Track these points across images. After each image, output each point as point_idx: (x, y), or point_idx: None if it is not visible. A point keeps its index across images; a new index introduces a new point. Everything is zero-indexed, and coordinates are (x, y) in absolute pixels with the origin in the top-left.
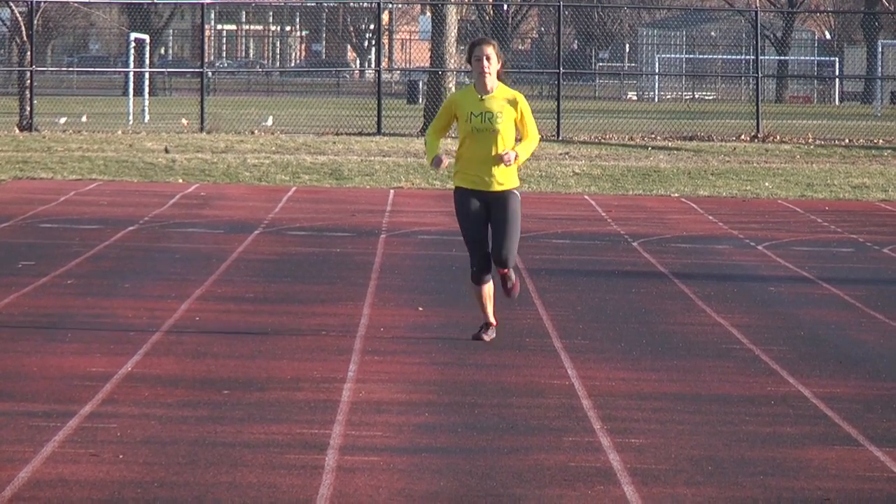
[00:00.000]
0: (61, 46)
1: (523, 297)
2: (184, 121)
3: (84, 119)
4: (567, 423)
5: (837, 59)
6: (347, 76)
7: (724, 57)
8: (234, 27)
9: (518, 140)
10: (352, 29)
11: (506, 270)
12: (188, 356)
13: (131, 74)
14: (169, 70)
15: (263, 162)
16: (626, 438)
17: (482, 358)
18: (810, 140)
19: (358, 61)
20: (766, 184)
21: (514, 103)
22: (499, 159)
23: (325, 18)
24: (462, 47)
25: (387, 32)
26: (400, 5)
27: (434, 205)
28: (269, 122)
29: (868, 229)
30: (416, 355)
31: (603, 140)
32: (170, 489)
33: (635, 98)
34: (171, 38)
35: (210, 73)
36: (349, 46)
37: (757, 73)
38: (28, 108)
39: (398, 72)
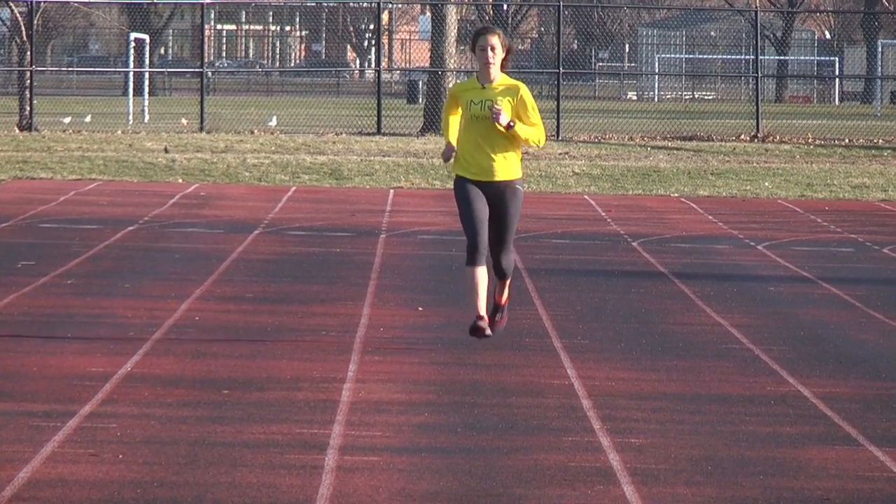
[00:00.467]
0: (61, 46)
1: (523, 298)
2: (183, 121)
3: (88, 119)
4: (567, 422)
5: (837, 59)
6: (347, 76)
7: (724, 57)
8: (233, 27)
9: None
10: (351, 29)
11: (503, 298)
12: (188, 356)
13: (131, 74)
14: (169, 70)
15: (263, 162)
16: (625, 438)
17: (482, 358)
18: (810, 140)
19: (358, 61)
20: (766, 184)
21: (514, 91)
22: (514, 147)
23: (324, 18)
24: (462, 47)
25: (386, 32)
26: (400, 5)
27: (434, 205)
28: (273, 121)
29: (868, 229)
30: (415, 355)
31: (603, 140)
32: (169, 489)
33: (635, 98)
34: (170, 38)
35: (210, 73)
36: (349, 46)
37: (757, 72)
38: (28, 108)
39: (398, 72)
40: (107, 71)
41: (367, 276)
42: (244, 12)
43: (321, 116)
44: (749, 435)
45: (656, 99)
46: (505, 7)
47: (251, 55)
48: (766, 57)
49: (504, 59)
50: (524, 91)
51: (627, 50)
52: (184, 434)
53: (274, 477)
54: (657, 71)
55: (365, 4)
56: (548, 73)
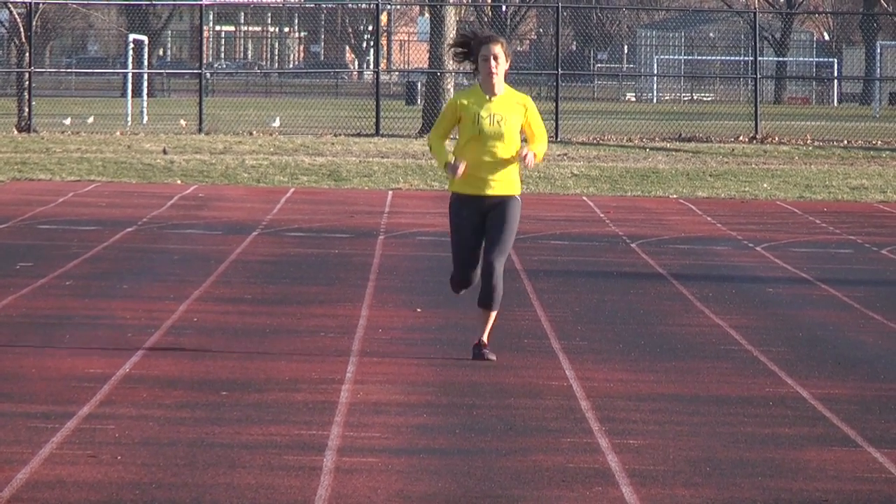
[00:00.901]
0: (60, 48)
1: (521, 299)
2: (182, 122)
3: (90, 120)
4: (565, 424)
5: (836, 61)
6: (346, 77)
7: (723, 58)
8: (232, 28)
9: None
10: (350, 30)
11: (485, 336)
12: (186, 357)
13: (130, 76)
14: (167, 71)
15: (262, 163)
16: (624, 439)
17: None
18: (809, 141)
19: (356, 62)
20: (765, 185)
21: (522, 107)
22: (514, 161)
23: (323, 20)
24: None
25: (385, 34)
26: (398, 6)
27: (432, 206)
28: (277, 122)
29: (866, 230)
30: (414, 356)
31: (601, 141)
32: (168, 490)
33: (634, 99)
34: (169, 39)
35: (208, 75)
36: (347, 48)
37: (755, 74)
38: (26, 110)
39: (397, 73)
40: (105, 72)
41: (365, 278)
42: (243, 14)
43: (320, 118)
44: (747, 436)
45: (655, 100)
46: (503, 8)
47: (250, 56)
48: (765, 58)
49: (506, 70)
50: (532, 106)
51: (626, 51)
52: (182, 435)
53: (272, 478)
54: (656, 72)
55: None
56: (546, 74)
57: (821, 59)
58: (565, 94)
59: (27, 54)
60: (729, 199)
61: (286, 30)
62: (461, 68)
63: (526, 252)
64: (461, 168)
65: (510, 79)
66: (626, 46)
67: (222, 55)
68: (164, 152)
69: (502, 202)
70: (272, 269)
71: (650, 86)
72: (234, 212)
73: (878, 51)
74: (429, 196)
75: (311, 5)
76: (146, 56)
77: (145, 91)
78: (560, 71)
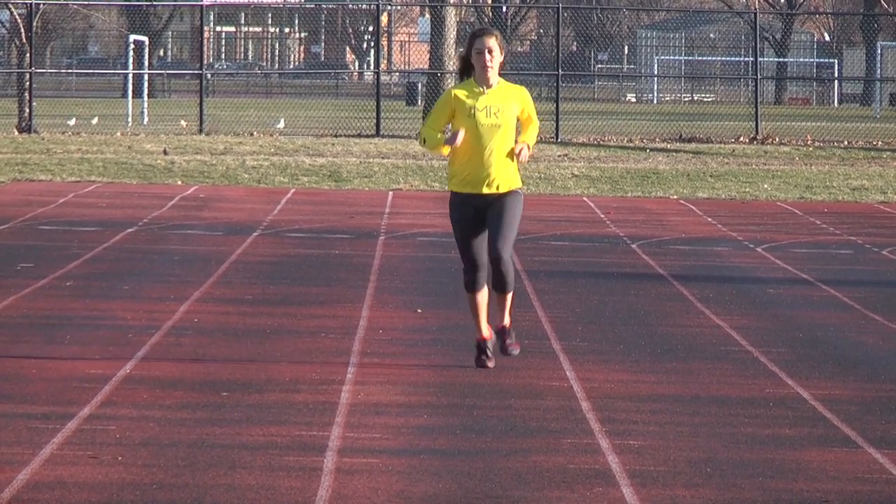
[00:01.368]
0: (60, 48)
1: (522, 300)
2: (183, 122)
3: (95, 121)
4: (566, 424)
5: (836, 61)
6: (346, 78)
7: (723, 59)
8: (232, 29)
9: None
10: (350, 31)
11: (506, 321)
12: (187, 358)
13: (130, 76)
14: (168, 72)
15: (262, 164)
16: (624, 440)
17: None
18: (809, 142)
19: (357, 63)
20: (765, 185)
21: (518, 98)
22: (512, 155)
23: (323, 20)
24: (461, 49)
25: (385, 34)
26: (399, 7)
27: (433, 206)
28: (281, 124)
29: (867, 231)
30: (414, 357)
31: (602, 142)
32: (168, 491)
33: (634, 100)
34: (170, 39)
35: (209, 75)
36: (348, 48)
37: (756, 74)
38: (27, 110)
39: (397, 74)
40: (106, 73)
41: (366, 278)
42: (243, 14)
43: (320, 118)
44: (748, 437)
45: (655, 101)
46: (504, 9)
47: (250, 57)
48: (766, 59)
49: (500, 63)
50: (527, 98)
51: (626, 52)
52: (183, 436)
53: (273, 479)
54: (656, 73)
55: (364, 6)
56: (547, 74)
57: (821, 60)
58: (566, 95)
59: (28, 55)
60: (729, 200)
61: (286, 30)
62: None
63: (526, 252)
64: (460, 136)
65: (512, 80)
66: (626, 47)
67: (223, 56)
68: (165, 153)
69: (503, 196)
70: (273, 270)
71: (651, 86)
72: (235, 212)
73: (879, 51)
74: (429, 197)
75: (312, 6)
76: (147, 57)
77: (146, 92)
78: (560, 72)
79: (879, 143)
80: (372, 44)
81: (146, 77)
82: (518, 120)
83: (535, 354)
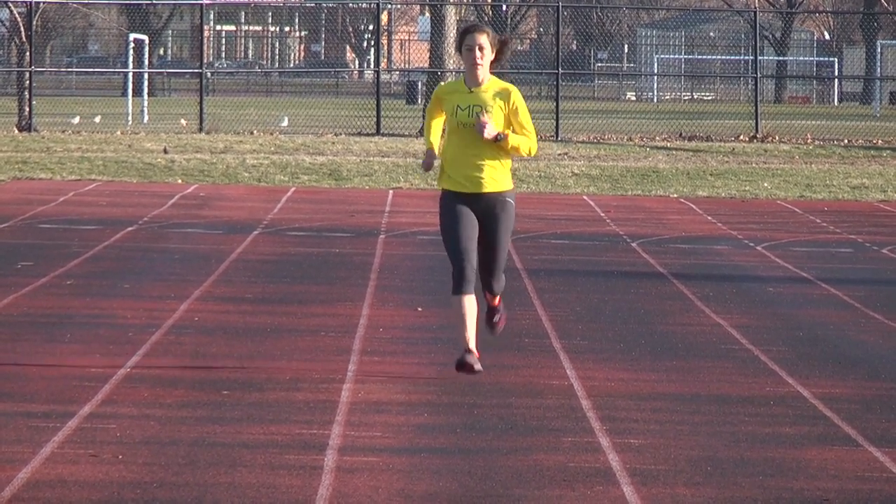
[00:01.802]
0: (60, 47)
1: (522, 299)
2: (183, 121)
3: (98, 119)
4: (566, 423)
5: (836, 60)
6: (346, 77)
7: (723, 57)
8: (233, 28)
9: None
10: (351, 29)
11: (496, 301)
12: (187, 357)
13: (130, 75)
14: (168, 71)
15: (262, 162)
16: (625, 439)
17: (481, 358)
18: (809, 140)
19: (357, 62)
20: (765, 184)
21: (505, 96)
22: (502, 155)
23: (323, 19)
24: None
25: (386, 33)
26: (399, 6)
27: (433, 205)
28: (286, 122)
29: (867, 230)
30: (415, 356)
31: (602, 140)
32: (169, 490)
33: (634, 98)
34: (170, 38)
35: (209, 74)
36: (348, 47)
37: (756, 73)
38: (27, 109)
39: (397, 72)
40: (106, 71)
41: (366, 277)
42: (243, 13)
43: (320, 117)
44: (748, 435)
45: (655, 99)
46: (504, 7)
47: (250, 56)
48: (765, 57)
49: (499, 56)
50: (516, 95)
51: (626, 50)
52: (183, 435)
53: (273, 477)
54: (656, 71)
55: (364, 5)
56: (547, 73)
57: (821, 59)
58: (566, 94)
59: (28, 53)
60: (729, 199)
61: (287, 29)
62: (461, 67)
63: (526, 251)
64: (431, 163)
65: (511, 77)
66: (626, 46)
67: (223, 54)
68: (165, 151)
69: (495, 204)
70: (273, 269)
71: (650, 85)
72: (235, 211)
73: (879, 50)
74: (430, 195)
75: (312, 4)
76: (147, 55)
77: (146, 90)
78: (560, 70)
79: (879, 141)
80: (372, 42)
81: (146, 76)
82: (510, 123)
83: (535, 353)
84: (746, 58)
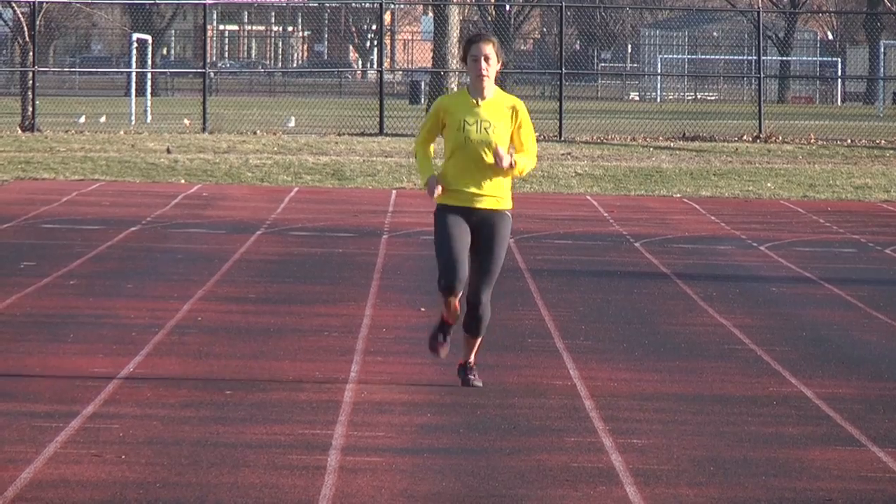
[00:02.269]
0: (63, 47)
1: (525, 298)
2: (186, 121)
3: (103, 119)
4: (569, 423)
5: (840, 60)
6: (349, 77)
7: (727, 57)
8: (236, 28)
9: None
10: (354, 29)
11: (471, 357)
12: (190, 356)
13: (133, 75)
14: (171, 70)
15: (266, 162)
16: (628, 439)
17: (484, 359)
18: (812, 140)
19: (360, 62)
20: (769, 184)
21: (513, 112)
22: (503, 172)
23: (327, 19)
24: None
25: (389, 33)
26: (402, 6)
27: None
28: (292, 122)
29: (870, 230)
30: (418, 356)
31: (605, 140)
32: (172, 490)
33: (637, 98)
34: (173, 38)
35: (212, 74)
36: (351, 47)
37: (759, 73)
38: (30, 109)
39: (400, 72)
40: (109, 71)
41: (369, 277)
42: (246, 13)
43: (323, 117)
44: (751, 435)
45: (658, 99)
46: (507, 7)
47: (253, 56)
48: (769, 57)
49: (497, 71)
50: (523, 112)
51: (630, 50)
52: (186, 435)
53: (277, 477)
54: (659, 71)
55: (367, 5)
56: (550, 73)
57: (824, 59)
58: (569, 94)
59: (31, 53)
60: (733, 199)
61: (290, 29)
62: (464, 67)
63: (530, 251)
64: (437, 191)
65: (514, 77)
66: (629, 46)
67: (226, 54)
68: (168, 151)
69: (492, 220)
70: (276, 269)
71: (654, 85)
72: (238, 211)
73: (882, 50)
74: None
75: (315, 4)
76: (150, 55)
77: (149, 90)
78: (564, 70)
79: (883, 141)
80: (375, 42)
81: (149, 76)
82: (511, 139)
83: (538, 353)
84: (750, 58)
